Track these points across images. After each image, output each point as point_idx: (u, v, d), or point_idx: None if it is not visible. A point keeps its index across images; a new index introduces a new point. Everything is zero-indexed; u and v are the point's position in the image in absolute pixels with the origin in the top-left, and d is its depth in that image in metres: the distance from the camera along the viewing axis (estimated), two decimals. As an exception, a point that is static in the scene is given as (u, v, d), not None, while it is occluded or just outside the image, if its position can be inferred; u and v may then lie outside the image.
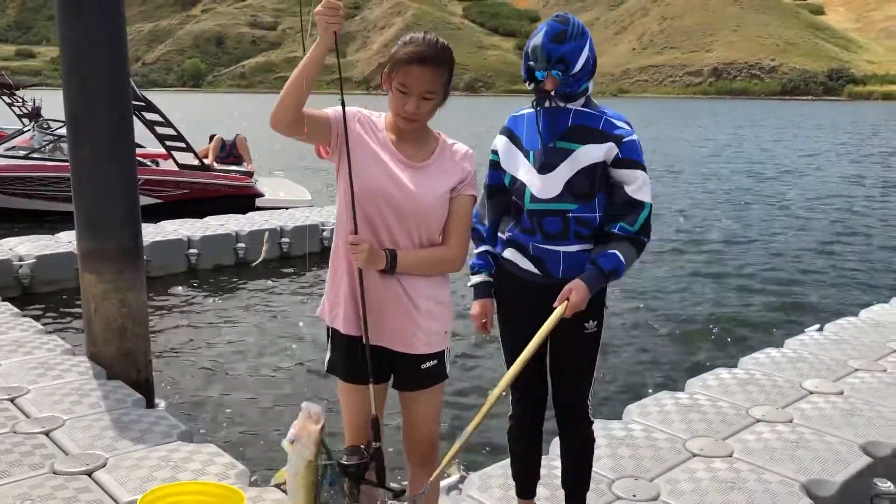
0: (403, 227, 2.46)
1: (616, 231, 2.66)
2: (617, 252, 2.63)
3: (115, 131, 4.67)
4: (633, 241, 2.67)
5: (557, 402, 2.91)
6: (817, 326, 5.75)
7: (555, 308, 2.60)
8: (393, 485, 2.39)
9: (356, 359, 2.48)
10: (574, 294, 2.59)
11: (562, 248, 2.68)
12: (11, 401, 4.16)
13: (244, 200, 12.42)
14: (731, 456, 3.64)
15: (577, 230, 2.68)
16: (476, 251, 2.89)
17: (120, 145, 4.72)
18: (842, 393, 4.39)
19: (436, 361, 2.59)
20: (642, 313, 7.84)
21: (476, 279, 2.90)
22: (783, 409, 4.16)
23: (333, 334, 2.58)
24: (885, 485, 3.42)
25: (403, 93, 2.39)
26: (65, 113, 4.67)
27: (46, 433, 3.78)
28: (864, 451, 3.69)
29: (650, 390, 5.34)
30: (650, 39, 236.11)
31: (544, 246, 2.70)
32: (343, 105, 2.41)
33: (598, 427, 3.95)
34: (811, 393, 4.39)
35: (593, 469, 3.19)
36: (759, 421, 4.01)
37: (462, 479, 3.65)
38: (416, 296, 2.49)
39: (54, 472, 3.40)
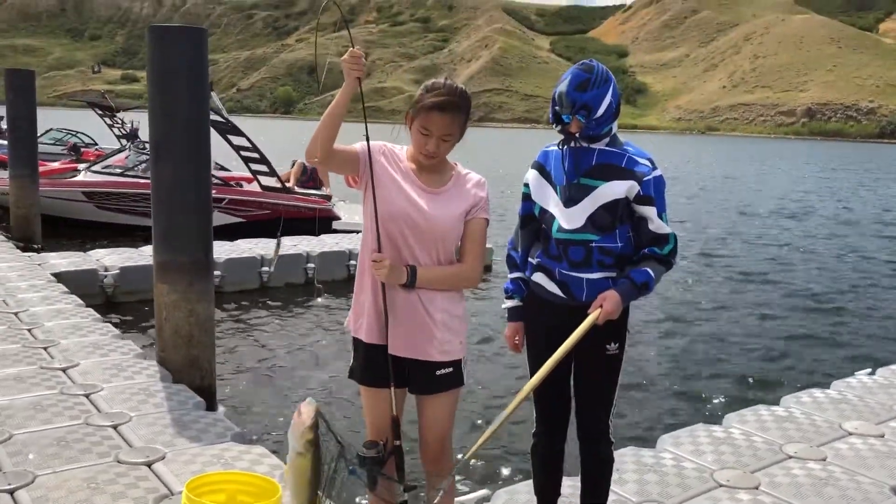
0: (423, 246, 2.73)
1: (647, 252, 2.87)
2: (648, 269, 2.85)
3: (193, 154, 5.07)
4: (661, 260, 2.89)
5: (580, 422, 3.06)
6: (868, 370, 5.69)
7: (588, 314, 2.79)
8: (409, 483, 2.61)
9: (375, 365, 2.75)
10: (608, 302, 2.78)
11: (585, 276, 2.88)
12: (87, 396, 4.55)
13: (322, 223, 12.94)
14: (756, 488, 3.69)
15: (599, 259, 2.87)
16: (510, 276, 3.12)
17: (197, 167, 5.12)
18: (882, 436, 4.37)
19: (451, 369, 2.82)
20: (692, 345, 7.84)
21: (509, 303, 3.13)
22: (818, 447, 4.18)
23: (356, 343, 2.86)
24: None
25: (425, 134, 2.68)
26: (149, 135, 5.10)
27: (114, 427, 4.14)
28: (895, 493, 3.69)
29: (688, 422, 5.38)
30: (741, 77, 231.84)
31: (569, 273, 2.90)
32: (367, 139, 2.72)
33: (629, 453, 4.07)
34: (850, 434, 4.38)
35: (619, 492, 3.33)
36: (790, 457, 4.04)
37: (489, 496, 3.81)
38: (433, 309, 2.75)
39: (118, 462, 3.73)
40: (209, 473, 3.04)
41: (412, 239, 2.72)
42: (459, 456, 3.14)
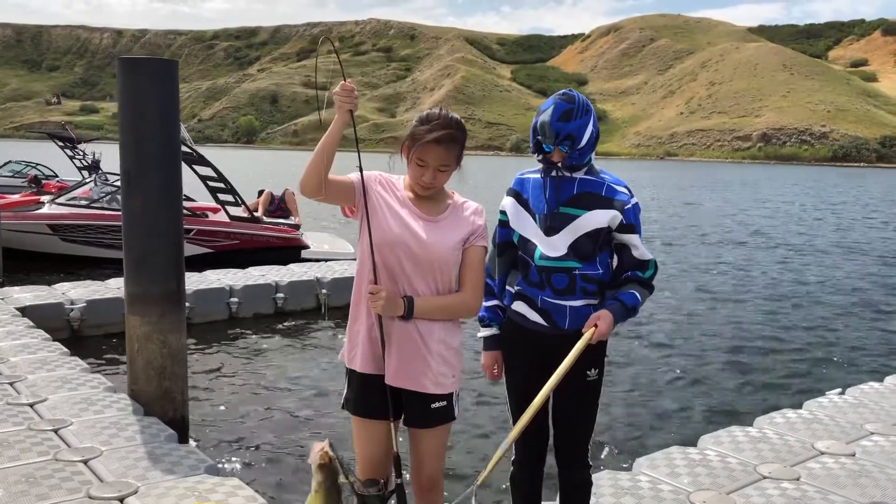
0: (420, 274, 2.71)
1: (630, 275, 2.92)
2: (635, 292, 2.90)
3: (164, 186, 5.04)
4: (645, 284, 2.95)
5: (558, 448, 3.08)
6: (839, 390, 5.80)
7: (583, 332, 2.81)
8: None
9: (369, 396, 2.72)
10: (602, 322, 2.80)
11: (568, 303, 2.90)
12: (55, 431, 4.45)
13: (291, 252, 12.87)
14: (733, 509, 3.73)
15: (582, 286, 2.90)
16: (485, 304, 3.11)
17: (168, 198, 5.08)
18: (853, 455, 4.44)
19: (445, 403, 2.80)
20: (662, 367, 7.93)
21: (485, 332, 3.13)
22: (791, 467, 4.24)
23: (350, 374, 2.82)
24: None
25: (421, 166, 2.68)
26: (120, 165, 5.06)
27: (85, 461, 4.05)
28: (868, 511, 3.75)
29: (663, 444, 5.43)
30: (698, 104, 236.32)
31: (553, 300, 2.91)
32: (361, 170, 2.71)
33: (606, 476, 4.09)
34: (822, 453, 4.45)
35: (596, 516, 3.31)
36: (765, 478, 4.09)
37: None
38: (430, 340, 2.72)
39: (90, 497, 3.65)
40: (188, 508, 3.00)
41: (409, 268, 2.70)
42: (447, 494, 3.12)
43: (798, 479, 4.07)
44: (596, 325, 2.80)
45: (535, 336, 2.96)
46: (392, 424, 2.69)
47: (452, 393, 2.81)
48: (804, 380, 7.75)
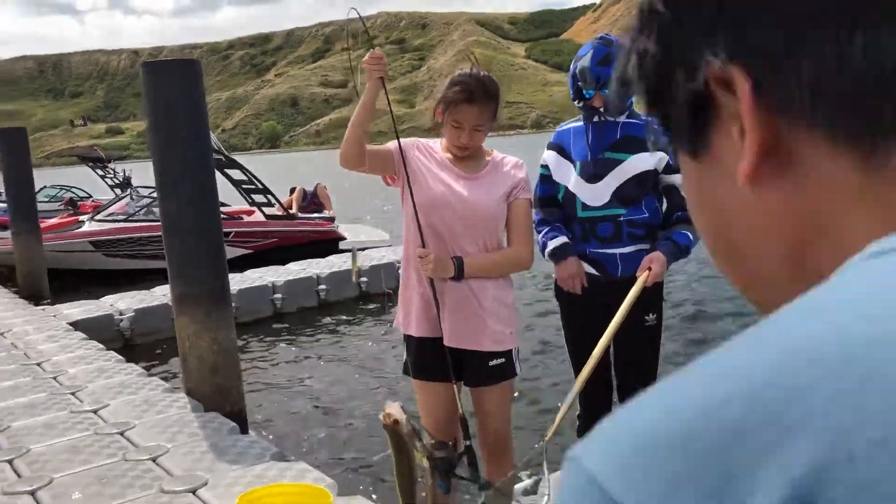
0: (468, 234, 2.70)
1: (681, 215, 2.87)
2: (687, 231, 2.84)
3: (199, 188, 5.08)
4: None
5: (622, 396, 3.06)
6: None
7: (637, 276, 2.77)
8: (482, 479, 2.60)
9: (428, 358, 2.73)
10: (656, 264, 2.77)
11: (618, 251, 2.87)
12: (121, 433, 4.53)
13: (328, 244, 12.97)
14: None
15: (629, 232, 2.86)
16: (543, 231, 3.04)
17: (203, 200, 5.12)
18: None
19: (503, 360, 2.79)
20: (726, 313, 7.84)
21: (555, 242, 2.97)
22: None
23: (408, 339, 2.83)
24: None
25: (456, 127, 2.67)
26: (154, 171, 5.12)
27: (153, 459, 4.12)
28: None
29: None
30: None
31: (600, 250, 2.89)
32: (397, 134, 2.72)
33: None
34: None
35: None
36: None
37: (538, 482, 3.80)
38: (484, 298, 2.72)
39: (163, 491, 3.71)
40: (259, 488, 3.04)
41: (455, 228, 2.69)
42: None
43: None
44: (650, 269, 2.77)
45: (590, 285, 2.93)
46: (455, 386, 2.69)
47: (511, 350, 2.81)
48: None
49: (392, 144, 2.74)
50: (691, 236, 2.84)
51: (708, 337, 7.30)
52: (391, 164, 2.72)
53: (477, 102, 2.64)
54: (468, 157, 2.77)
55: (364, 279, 9.83)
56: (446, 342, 2.68)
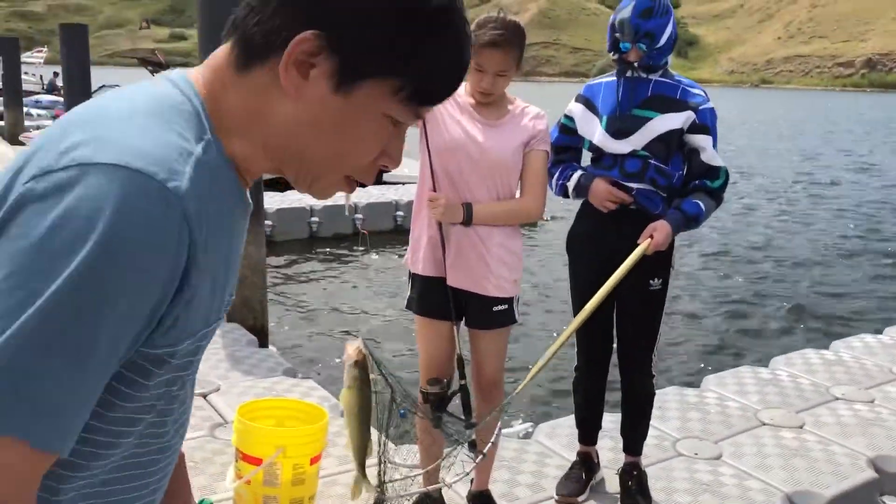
0: (480, 180, 2.71)
1: (698, 184, 2.84)
2: (699, 202, 2.81)
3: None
4: (712, 194, 2.85)
5: (621, 356, 3.09)
6: (923, 317, 5.60)
7: (637, 244, 2.77)
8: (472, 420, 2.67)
9: (431, 296, 2.77)
10: (658, 233, 2.74)
11: (636, 185, 2.84)
12: (145, 333, 4.72)
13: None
14: (801, 427, 3.71)
15: (653, 177, 2.82)
16: (559, 171, 3.01)
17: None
18: (933, 380, 4.32)
19: (506, 306, 2.83)
20: (744, 291, 7.79)
21: (574, 179, 2.93)
22: (866, 389, 4.15)
23: (413, 277, 2.88)
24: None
25: (480, 71, 2.65)
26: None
27: (171, 361, 4.30)
28: (943, 434, 3.67)
29: (733, 365, 5.39)
30: (798, 28, 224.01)
31: (621, 181, 2.86)
32: None
33: (672, 392, 4.10)
34: (900, 377, 4.35)
35: (661, 429, 3.33)
36: (838, 399, 4.03)
37: (532, 428, 3.89)
38: (490, 244, 2.74)
39: (175, 392, 3.89)
40: (259, 399, 3.16)
41: (469, 173, 2.69)
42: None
43: (872, 402, 4.00)
44: (652, 237, 2.75)
45: (600, 219, 2.90)
46: (455, 326, 2.74)
47: (513, 297, 2.84)
48: (889, 306, 7.49)
49: None
50: (703, 207, 2.81)
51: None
52: None
53: (501, 47, 2.59)
54: (490, 104, 2.74)
55: (359, 216, 9.84)
56: (450, 282, 2.72)
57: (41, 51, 39.34)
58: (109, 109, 0.80)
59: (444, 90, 0.89)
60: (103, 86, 24.44)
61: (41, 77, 30.94)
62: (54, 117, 16.92)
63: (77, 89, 11.22)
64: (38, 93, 26.89)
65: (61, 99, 13.41)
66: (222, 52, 0.87)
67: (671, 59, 2.88)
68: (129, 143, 0.74)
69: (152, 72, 22.73)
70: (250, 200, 0.92)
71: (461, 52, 0.88)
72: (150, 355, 0.79)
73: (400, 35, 0.82)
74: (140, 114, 0.79)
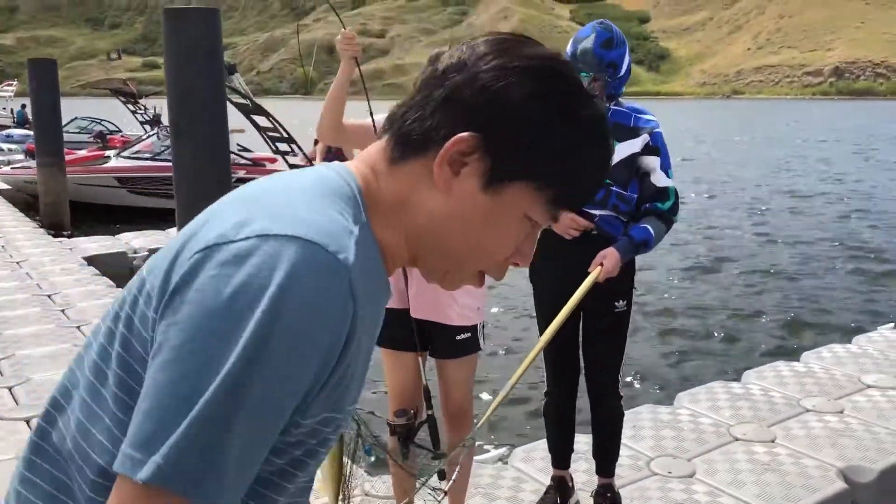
0: None
1: (648, 207, 2.89)
2: (647, 226, 2.86)
3: (211, 134, 5.17)
4: (661, 216, 2.90)
5: (589, 380, 3.12)
6: (892, 325, 5.69)
7: (589, 273, 2.81)
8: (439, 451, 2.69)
9: (395, 329, 2.79)
10: (607, 261, 2.79)
11: (599, 212, 2.89)
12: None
13: None
14: (773, 441, 3.75)
15: (615, 203, 2.88)
16: None
17: (215, 146, 5.21)
18: (901, 388, 4.39)
19: (469, 334, 2.86)
20: (712, 300, 7.88)
21: None
22: (836, 400, 4.21)
23: None
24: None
25: None
26: (167, 115, 5.21)
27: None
28: (911, 442, 3.72)
29: (705, 380, 5.44)
30: (766, 38, 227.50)
31: (583, 209, 2.90)
32: (372, 116, 2.73)
33: (646, 410, 4.14)
34: (869, 387, 4.41)
35: (634, 448, 3.36)
36: (808, 411, 4.09)
37: (509, 452, 3.91)
38: None
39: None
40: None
41: None
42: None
43: (842, 412, 4.05)
44: (602, 265, 2.80)
45: (562, 247, 2.92)
46: (420, 357, 2.76)
47: (476, 325, 2.87)
48: (857, 315, 7.60)
49: (368, 120, 2.78)
50: (652, 231, 2.85)
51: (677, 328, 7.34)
52: (371, 138, 2.76)
53: None
54: None
55: None
56: (413, 313, 2.74)
57: (11, 84, 39.04)
58: (276, 189, 0.85)
59: (585, 196, 0.93)
60: (76, 118, 24.37)
61: (12, 111, 30.75)
62: (26, 151, 16.81)
63: (47, 125, 11.18)
64: (10, 126, 26.74)
65: (31, 133, 13.39)
66: (377, 146, 0.93)
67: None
68: (301, 217, 0.79)
69: (125, 102, 22.64)
70: (392, 289, 0.95)
71: (606, 160, 0.92)
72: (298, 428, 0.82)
73: (554, 141, 0.86)
74: (307, 192, 0.84)
